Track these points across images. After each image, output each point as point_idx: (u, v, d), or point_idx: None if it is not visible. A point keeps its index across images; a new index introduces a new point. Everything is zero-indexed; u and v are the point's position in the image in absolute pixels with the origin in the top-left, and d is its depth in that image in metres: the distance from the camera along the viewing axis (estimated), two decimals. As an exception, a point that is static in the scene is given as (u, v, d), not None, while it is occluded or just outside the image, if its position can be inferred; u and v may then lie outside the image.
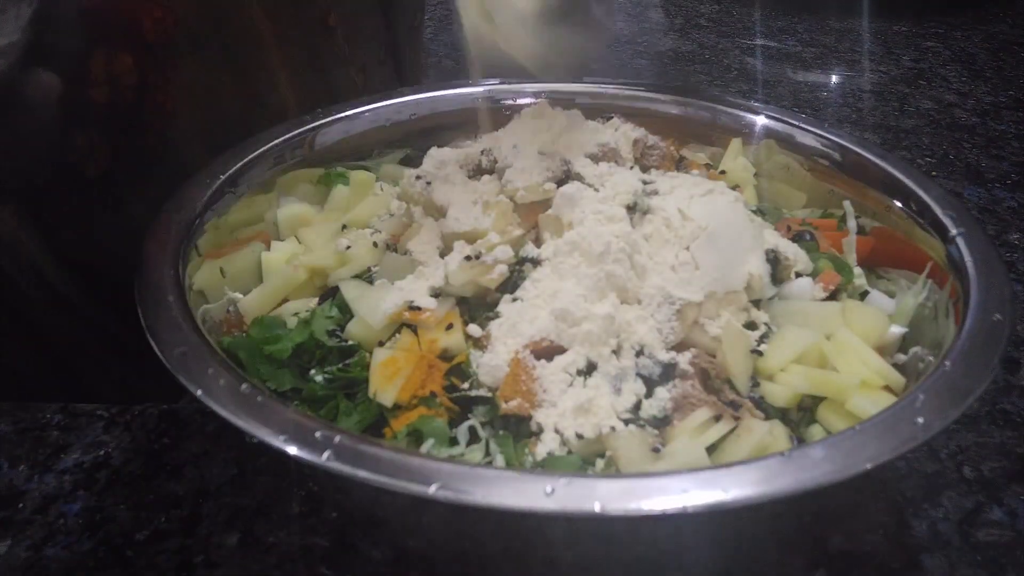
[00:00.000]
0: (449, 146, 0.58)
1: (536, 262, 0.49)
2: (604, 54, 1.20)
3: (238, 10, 0.54)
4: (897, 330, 0.49)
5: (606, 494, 0.33)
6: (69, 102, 0.46)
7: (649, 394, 0.44)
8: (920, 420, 0.36)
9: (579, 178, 0.53)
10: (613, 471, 0.41)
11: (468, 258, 0.48)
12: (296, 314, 0.50)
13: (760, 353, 0.46)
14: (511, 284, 0.48)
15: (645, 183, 0.53)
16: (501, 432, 0.43)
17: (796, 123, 0.62)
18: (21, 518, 0.46)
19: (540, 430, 0.42)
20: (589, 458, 0.42)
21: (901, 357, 0.48)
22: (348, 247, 0.54)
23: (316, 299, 0.52)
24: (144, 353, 0.40)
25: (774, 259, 0.51)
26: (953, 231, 0.49)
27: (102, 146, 0.48)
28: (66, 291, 0.51)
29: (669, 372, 0.45)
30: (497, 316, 0.47)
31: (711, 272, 0.47)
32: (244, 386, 0.38)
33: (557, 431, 0.42)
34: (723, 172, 0.62)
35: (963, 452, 0.52)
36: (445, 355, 0.46)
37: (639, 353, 0.45)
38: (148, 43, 0.48)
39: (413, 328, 0.47)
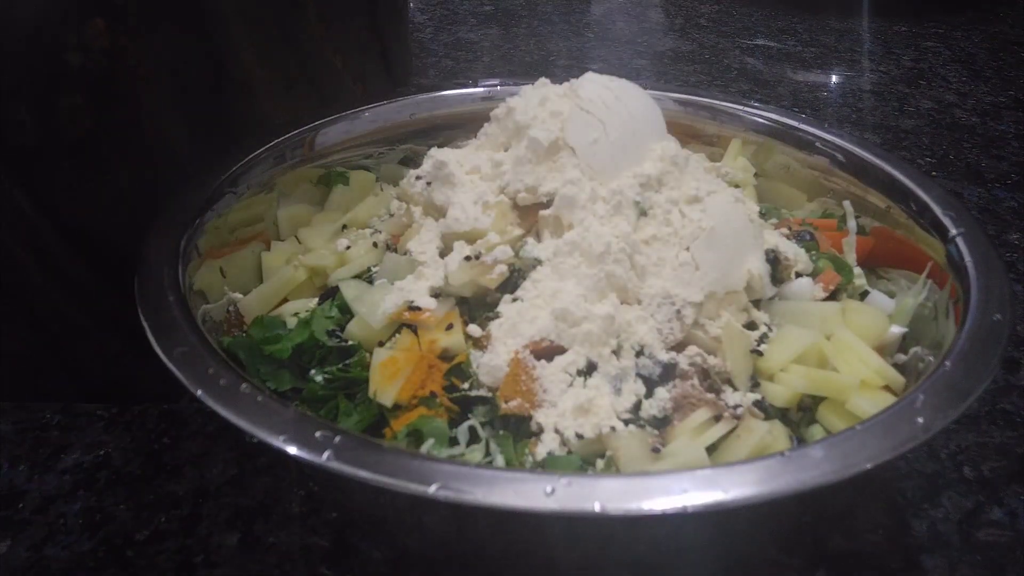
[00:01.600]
0: (449, 146, 0.58)
1: (536, 262, 0.49)
2: (604, 54, 1.20)
3: None
4: (897, 330, 0.49)
5: (606, 494, 0.33)
6: (49, 65, 0.47)
7: (649, 394, 0.44)
8: (920, 420, 0.36)
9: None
10: (613, 471, 0.41)
11: (468, 258, 0.48)
12: (296, 314, 0.51)
13: (760, 353, 0.46)
14: (511, 284, 0.48)
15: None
16: (501, 432, 0.43)
17: (796, 123, 0.62)
18: (21, 518, 0.46)
19: (540, 430, 0.42)
20: (589, 458, 0.42)
21: (901, 357, 0.48)
22: (348, 247, 0.54)
23: (316, 299, 0.52)
24: (143, 342, 0.40)
25: (774, 259, 0.51)
26: (953, 231, 0.49)
27: (83, 109, 0.48)
28: (63, 262, 0.51)
29: (669, 372, 0.45)
30: (497, 316, 0.47)
31: (711, 272, 0.47)
32: (244, 386, 0.38)
33: (557, 431, 0.42)
34: None
35: (963, 452, 0.52)
36: (445, 355, 0.46)
37: (639, 353, 0.45)
38: (119, 6, 0.48)
39: (413, 328, 0.47)
